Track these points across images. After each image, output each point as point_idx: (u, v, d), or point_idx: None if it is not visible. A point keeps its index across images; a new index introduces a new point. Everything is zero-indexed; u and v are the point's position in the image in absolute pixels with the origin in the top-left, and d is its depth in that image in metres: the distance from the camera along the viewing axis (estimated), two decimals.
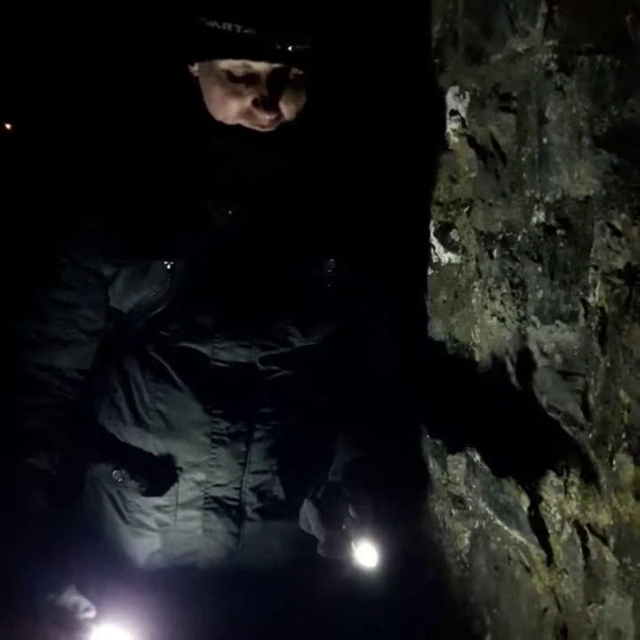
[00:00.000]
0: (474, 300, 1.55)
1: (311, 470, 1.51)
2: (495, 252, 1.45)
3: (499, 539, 1.51)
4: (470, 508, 1.62)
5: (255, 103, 1.36)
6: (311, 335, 1.51)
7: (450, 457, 1.68)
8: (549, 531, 1.33)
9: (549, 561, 1.33)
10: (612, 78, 1.11)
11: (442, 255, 1.67)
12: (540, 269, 1.31)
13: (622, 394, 1.11)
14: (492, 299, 1.47)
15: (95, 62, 1.92)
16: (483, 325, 1.52)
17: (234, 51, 1.33)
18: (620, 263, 1.11)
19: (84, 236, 1.47)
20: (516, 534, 1.42)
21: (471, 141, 1.51)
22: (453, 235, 1.62)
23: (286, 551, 1.54)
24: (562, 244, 1.25)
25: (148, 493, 1.48)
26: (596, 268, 1.16)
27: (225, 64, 1.35)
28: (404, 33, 1.70)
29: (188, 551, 1.50)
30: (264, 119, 1.37)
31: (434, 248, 1.69)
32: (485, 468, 1.52)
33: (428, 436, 1.77)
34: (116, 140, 1.51)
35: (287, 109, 1.39)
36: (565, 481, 1.28)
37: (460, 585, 1.66)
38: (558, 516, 1.30)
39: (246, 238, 1.46)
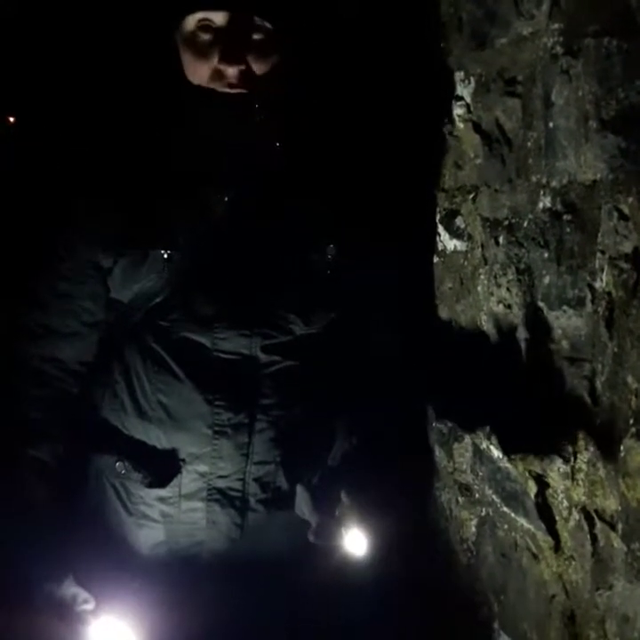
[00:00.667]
0: (480, 287, 1.54)
1: (314, 460, 1.51)
2: (501, 239, 1.44)
3: (506, 526, 1.50)
4: (477, 495, 1.62)
5: (220, 58, 1.36)
6: (312, 323, 1.51)
7: (456, 445, 1.68)
8: (557, 517, 1.32)
9: (557, 548, 1.32)
10: (619, 61, 1.10)
11: (447, 242, 1.66)
12: (546, 255, 1.30)
13: (630, 379, 1.10)
14: (498, 285, 1.46)
15: (90, 55, 1.91)
16: (489, 312, 1.51)
17: (191, 4, 1.36)
18: (627, 248, 1.10)
19: (82, 228, 1.47)
20: (523, 521, 1.42)
21: (476, 127, 1.50)
22: (459, 221, 1.61)
23: (290, 541, 1.53)
24: (568, 230, 1.24)
25: (151, 485, 1.47)
26: (603, 252, 1.15)
27: (190, 25, 1.38)
28: (408, 18, 1.69)
29: (191, 542, 1.50)
30: (230, 73, 1.36)
31: (439, 235, 1.68)
32: (492, 455, 1.52)
33: (433, 424, 1.76)
34: (112, 131, 1.51)
35: (257, 66, 1.38)
36: (572, 467, 1.27)
37: (467, 572, 1.66)
38: (565, 503, 1.29)
39: (244, 225, 1.45)
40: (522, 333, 1.40)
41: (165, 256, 1.43)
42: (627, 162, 1.10)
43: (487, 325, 1.53)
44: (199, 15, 1.36)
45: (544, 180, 1.29)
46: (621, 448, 1.13)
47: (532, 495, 1.36)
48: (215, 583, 1.47)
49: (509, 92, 1.38)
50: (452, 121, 1.58)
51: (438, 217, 1.68)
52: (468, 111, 1.53)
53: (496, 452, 1.50)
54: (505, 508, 1.48)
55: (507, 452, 1.46)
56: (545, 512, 1.34)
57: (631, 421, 1.11)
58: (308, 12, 1.48)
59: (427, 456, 1.80)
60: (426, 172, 1.70)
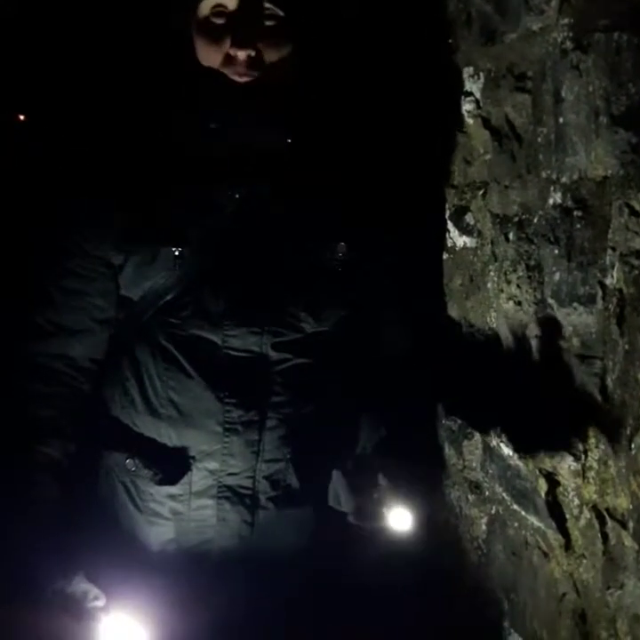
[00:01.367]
0: (489, 284, 1.53)
1: (324, 458, 1.50)
2: (511, 235, 1.43)
3: (516, 524, 1.50)
4: (487, 493, 1.61)
5: (231, 43, 1.38)
6: (323, 320, 1.50)
7: (466, 442, 1.67)
8: (567, 515, 1.31)
9: (567, 546, 1.32)
10: (630, 56, 1.09)
11: (457, 239, 1.65)
12: (556, 251, 1.29)
13: None
14: (508, 282, 1.45)
15: (100, 48, 1.91)
16: (499, 309, 1.50)
17: None
18: (638, 244, 1.09)
19: (93, 224, 1.47)
20: (533, 519, 1.41)
21: (486, 123, 1.49)
22: (468, 218, 1.61)
23: (300, 539, 1.54)
24: (579, 226, 1.23)
25: (161, 482, 1.47)
26: (613, 249, 1.14)
27: (205, 10, 1.40)
28: (416, 13, 1.68)
29: (201, 540, 1.49)
30: (241, 58, 1.37)
31: (449, 232, 1.68)
32: (502, 452, 1.51)
33: (443, 421, 1.76)
34: (123, 127, 1.51)
35: (267, 52, 1.39)
36: (583, 465, 1.26)
37: (477, 570, 1.65)
38: (576, 501, 1.29)
39: (255, 223, 1.44)
40: (532, 330, 1.39)
41: (176, 254, 1.43)
42: (638, 157, 1.09)
43: (497, 322, 1.52)
44: (213, 0, 1.38)
45: (554, 176, 1.28)
46: (632, 446, 1.12)
47: (543, 493, 1.36)
48: (225, 580, 1.47)
49: (519, 87, 1.37)
50: (461, 117, 1.57)
51: (448, 213, 1.67)
52: (478, 107, 1.52)
53: (506, 450, 1.49)
54: (515, 506, 1.47)
55: (517, 449, 1.45)
56: (555, 510, 1.34)
57: None
58: (319, 3, 1.48)
59: (436, 453, 1.79)
60: (435, 169, 1.69)
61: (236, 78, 1.39)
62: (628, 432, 1.13)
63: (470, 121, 1.55)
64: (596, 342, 1.21)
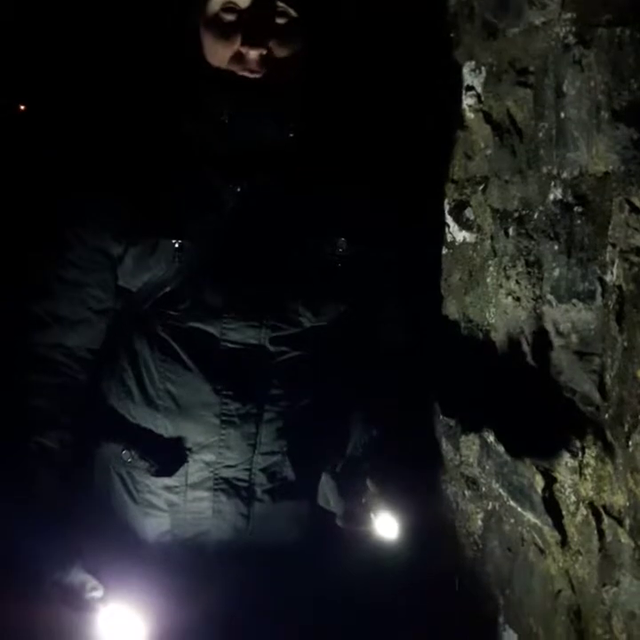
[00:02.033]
0: (489, 280, 1.53)
1: (321, 451, 1.51)
2: (511, 230, 1.43)
3: (512, 520, 1.50)
4: (483, 489, 1.61)
5: (242, 41, 1.36)
6: (322, 315, 1.50)
7: (463, 438, 1.67)
8: (564, 512, 1.31)
9: (564, 542, 1.32)
10: (632, 51, 1.08)
11: (456, 234, 1.65)
12: (556, 247, 1.29)
13: None
14: (508, 278, 1.45)
15: (104, 40, 1.90)
16: (497, 305, 1.50)
17: None
18: (638, 241, 1.09)
19: (92, 215, 1.46)
20: (529, 516, 1.41)
21: (487, 117, 1.49)
22: (468, 213, 1.60)
23: (296, 532, 1.54)
24: (579, 222, 1.22)
25: (157, 474, 1.47)
26: (613, 245, 1.14)
27: (215, 6, 1.37)
28: (419, 7, 1.67)
29: (197, 532, 1.49)
30: (252, 57, 1.36)
31: (448, 227, 1.67)
32: (499, 449, 1.51)
33: (440, 417, 1.76)
34: (125, 118, 1.50)
35: (278, 51, 1.37)
36: (580, 462, 1.26)
37: (473, 566, 1.65)
38: (573, 498, 1.29)
39: (255, 217, 1.44)
40: (530, 326, 1.38)
41: (176, 246, 1.42)
42: (639, 153, 1.08)
43: (495, 318, 1.52)
44: None
45: (555, 172, 1.28)
46: (630, 443, 1.12)
47: (540, 490, 1.36)
48: (221, 572, 1.47)
49: (521, 82, 1.36)
50: (462, 111, 1.56)
51: (447, 208, 1.67)
52: (479, 101, 1.52)
53: (503, 447, 1.49)
54: (511, 502, 1.47)
55: (514, 446, 1.45)
56: (552, 507, 1.34)
57: None
58: (328, 2, 1.47)
59: (433, 449, 1.79)
60: (435, 163, 1.68)
61: (246, 74, 1.38)
62: (626, 429, 1.13)
63: (471, 115, 1.54)
64: (595, 339, 1.20)
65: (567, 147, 1.24)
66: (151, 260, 1.43)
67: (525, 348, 1.41)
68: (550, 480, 1.34)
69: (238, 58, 1.37)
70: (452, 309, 1.69)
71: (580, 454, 1.26)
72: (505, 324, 1.48)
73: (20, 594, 1.32)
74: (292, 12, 1.37)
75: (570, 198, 1.24)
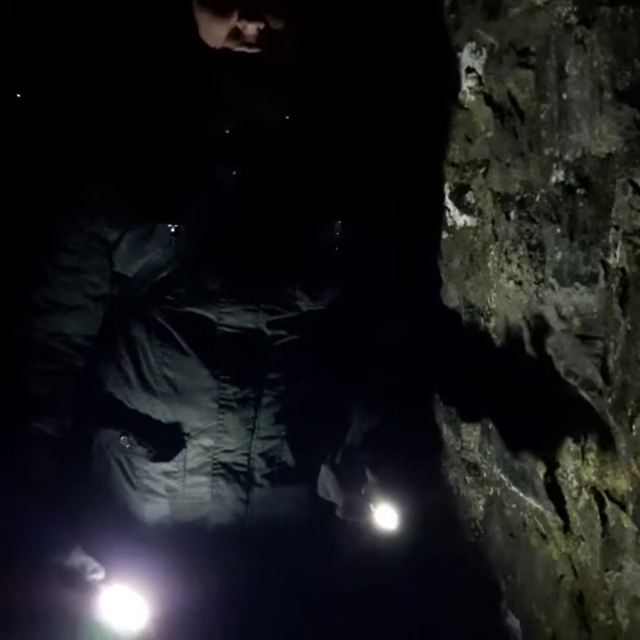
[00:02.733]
0: (490, 264, 1.52)
1: (320, 435, 1.51)
2: (512, 214, 1.42)
3: (514, 505, 1.49)
4: (485, 474, 1.60)
5: (239, 16, 1.34)
6: (319, 299, 1.49)
7: (464, 423, 1.66)
8: (566, 497, 1.31)
9: (566, 528, 1.31)
10: (635, 30, 1.07)
11: (457, 218, 1.63)
12: (558, 230, 1.27)
13: None
14: (509, 262, 1.44)
15: (99, 22, 1.88)
16: (499, 289, 1.49)
17: None
18: None
19: (88, 201, 1.46)
20: (531, 501, 1.40)
21: (488, 99, 1.47)
22: (469, 197, 1.59)
23: (295, 516, 1.53)
24: (582, 204, 1.21)
25: (155, 459, 1.47)
26: (617, 227, 1.13)
27: None
28: None
29: (196, 517, 1.49)
30: (249, 31, 1.34)
31: (449, 211, 1.66)
32: (501, 434, 1.50)
33: (441, 403, 1.75)
34: (119, 102, 1.49)
35: (275, 24, 1.35)
36: (583, 447, 1.25)
37: (475, 552, 1.65)
38: (575, 483, 1.28)
39: (252, 200, 1.43)
40: (532, 310, 1.37)
41: (172, 230, 1.42)
42: None
43: (496, 302, 1.51)
44: None
45: (557, 154, 1.26)
46: (633, 427, 1.11)
47: (542, 475, 1.35)
48: (220, 557, 1.47)
49: (522, 63, 1.35)
50: (462, 93, 1.55)
51: (448, 192, 1.65)
52: (480, 83, 1.50)
53: (504, 432, 1.48)
54: (513, 488, 1.46)
55: (515, 431, 1.44)
56: (554, 492, 1.33)
57: None
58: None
59: (434, 435, 1.78)
60: (435, 147, 1.67)
61: (244, 49, 1.36)
62: (630, 414, 1.12)
63: (472, 98, 1.53)
64: (598, 322, 1.19)
65: (569, 128, 1.22)
66: (147, 244, 1.42)
67: (527, 332, 1.40)
68: (552, 465, 1.33)
69: (235, 34, 1.35)
70: (452, 294, 1.68)
71: (583, 439, 1.25)
72: (506, 309, 1.47)
73: (22, 577, 1.33)
74: None
75: (572, 180, 1.23)
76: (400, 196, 1.59)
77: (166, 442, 1.47)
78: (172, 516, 1.49)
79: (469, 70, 1.52)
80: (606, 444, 1.19)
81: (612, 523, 1.19)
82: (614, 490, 1.18)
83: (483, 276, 1.55)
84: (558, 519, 1.32)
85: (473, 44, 1.51)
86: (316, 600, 1.51)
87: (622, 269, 1.12)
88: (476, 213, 1.57)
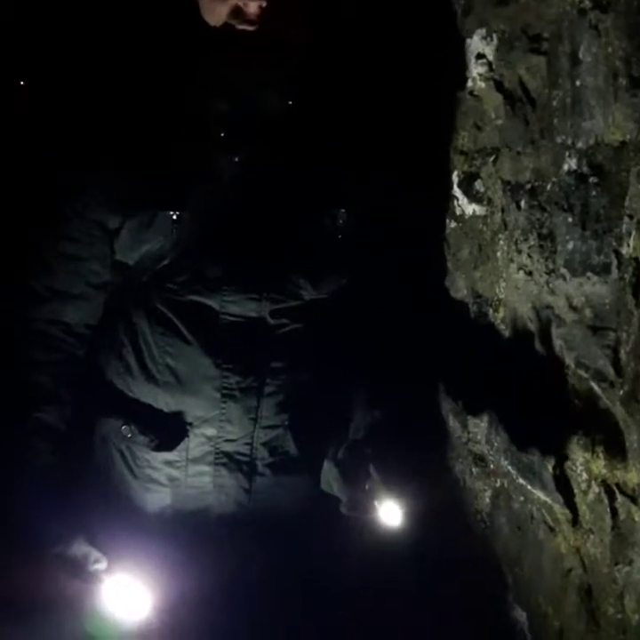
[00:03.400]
0: (499, 254, 1.50)
1: (323, 425, 1.51)
2: (523, 203, 1.40)
3: (521, 498, 1.48)
4: (492, 466, 1.59)
5: None
6: (322, 288, 1.49)
7: (470, 415, 1.65)
8: (575, 490, 1.29)
9: (575, 521, 1.30)
10: None
11: (465, 207, 1.61)
12: (570, 219, 1.25)
13: None
14: (519, 251, 1.42)
15: (95, 11, 1.86)
16: (508, 279, 1.47)
17: None
18: None
19: (89, 188, 1.45)
20: (539, 493, 1.39)
21: (499, 86, 1.45)
22: (478, 185, 1.57)
23: (297, 506, 1.53)
24: (594, 193, 1.19)
25: (157, 448, 1.46)
26: (630, 217, 1.11)
27: None
28: None
29: (198, 506, 1.49)
30: (252, 9, 1.32)
31: (457, 199, 1.64)
32: (508, 426, 1.49)
33: (447, 394, 1.73)
34: (120, 89, 1.47)
35: (277, 3, 1.32)
36: (593, 439, 1.24)
37: (481, 544, 1.64)
38: (585, 476, 1.27)
39: (254, 187, 1.42)
40: (542, 301, 1.36)
41: (174, 218, 1.41)
42: None
43: (506, 293, 1.49)
44: None
45: (569, 141, 1.24)
46: None
47: (550, 467, 1.34)
48: (222, 546, 1.47)
49: (534, 49, 1.32)
50: (472, 80, 1.53)
51: (456, 180, 1.63)
52: (490, 69, 1.48)
53: (512, 423, 1.47)
54: (521, 480, 1.45)
55: (524, 423, 1.43)
56: (563, 484, 1.32)
57: None
58: None
59: (440, 426, 1.77)
60: (442, 134, 1.65)
61: (246, 27, 1.34)
62: None
63: (482, 84, 1.50)
64: (610, 313, 1.18)
65: (582, 115, 1.20)
66: (148, 232, 1.41)
67: (536, 323, 1.38)
68: (561, 458, 1.32)
69: (236, 12, 1.34)
70: (459, 284, 1.67)
71: (593, 431, 1.24)
72: (515, 299, 1.45)
73: (24, 567, 1.34)
74: None
75: (585, 169, 1.21)
76: (406, 185, 1.57)
77: (168, 431, 1.46)
78: (174, 505, 1.49)
79: (480, 56, 1.50)
80: (617, 436, 1.18)
81: (622, 516, 1.18)
82: (625, 483, 1.17)
83: (491, 265, 1.54)
84: (567, 512, 1.31)
85: (483, 30, 1.49)
86: (319, 590, 1.51)
87: (636, 259, 1.10)
88: (485, 202, 1.55)
